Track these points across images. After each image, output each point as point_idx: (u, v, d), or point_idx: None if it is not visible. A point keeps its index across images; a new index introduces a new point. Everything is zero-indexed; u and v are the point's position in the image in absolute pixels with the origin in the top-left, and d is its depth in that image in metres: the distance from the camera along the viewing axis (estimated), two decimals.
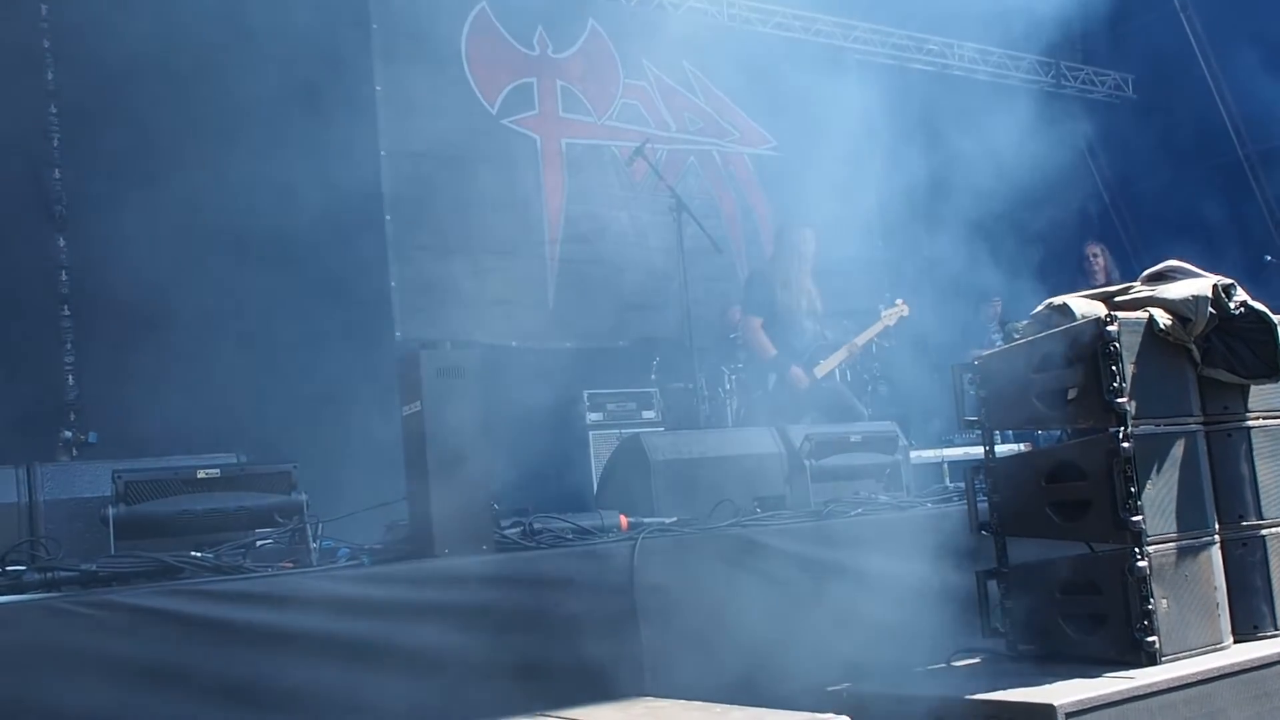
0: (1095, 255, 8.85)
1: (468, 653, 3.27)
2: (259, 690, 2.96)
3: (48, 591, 2.92)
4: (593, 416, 7.40)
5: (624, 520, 4.35)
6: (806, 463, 4.60)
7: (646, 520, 4.39)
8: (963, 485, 4.22)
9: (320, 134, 7.21)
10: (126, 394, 6.63)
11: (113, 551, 3.15)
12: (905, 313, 7.51)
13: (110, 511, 3.21)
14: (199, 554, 3.17)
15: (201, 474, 3.37)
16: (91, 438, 6.24)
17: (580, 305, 8.73)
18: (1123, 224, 11.84)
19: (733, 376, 8.14)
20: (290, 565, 3.29)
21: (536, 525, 4.06)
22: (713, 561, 3.87)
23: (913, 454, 7.98)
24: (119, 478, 3.28)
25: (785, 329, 7.25)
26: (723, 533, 4.06)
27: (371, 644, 3.13)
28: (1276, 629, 3.57)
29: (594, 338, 8.73)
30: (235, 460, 4.05)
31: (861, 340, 7.44)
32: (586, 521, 4.22)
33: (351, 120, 7.83)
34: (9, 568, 3.10)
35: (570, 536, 4.03)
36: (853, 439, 4.83)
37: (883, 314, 7.55)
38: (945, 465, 8.34)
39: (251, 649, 2.97)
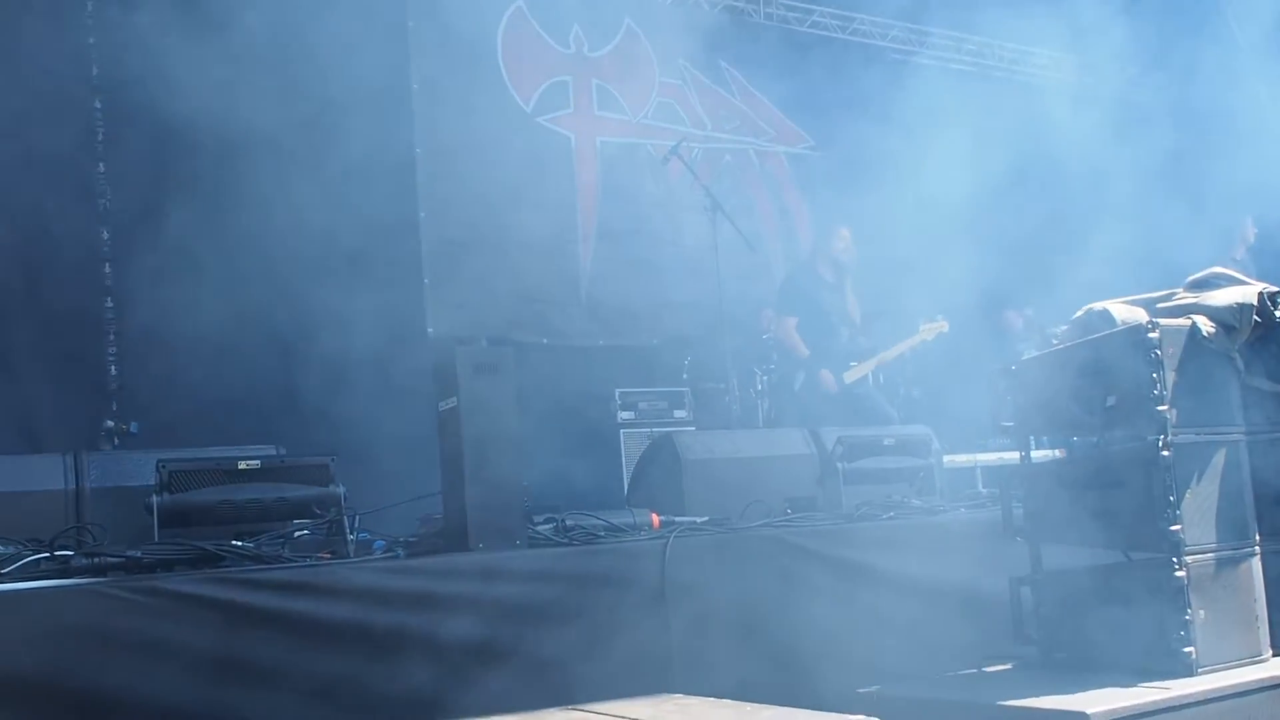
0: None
1: (499, 646, 3.30)
2: (295, 677, 3.00)
3: (94, 577, 2.97)
4: (624, 415, 7.41)
5: (655, 519, 4.36)
6: (839, 465, 4.60)
7: (678, 519, 4.41)
8: (996, 490, 4.21)
9: (356, 131, 7.26)
10: (167, 385, 6.73)
11: (156, 539, 3.19)
12: (944, 329, 7.45)
13: (154, 500, 3.25)
14: (240, 543, 3.20)
15: (243, 465, 3.42)
16: (133, 428, 6.32)
17: (613, 303, 8.73)
18: None
19: (764, 377, 8.14)
20: (328, 556, 3.32)
21: (569, 522, 4.09)
22: (744, 562, 3.88)
23: (946, 458, 7.95)
24: (163, 467, 3.32)
25: (819, 331, 7.24)
26: (754, 533, 4.07)
27: (404, 635, 3.17)
28: None
29: (626, 336, 8.74)
30: (275, 451, 4.09)
31: (895, 353, 7.41)
32: (619, 519, 4.24)
33: (387, 117, 7.89)
34: (58, 552, 3.15)
35: (602, 534, 4.04)
36: (886, 442, 4.82)
37: (921, 328, 7.50)
38: (979, 470, 8.29)
39: (289, 636, 3.02)
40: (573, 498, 7.17)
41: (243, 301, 6.96)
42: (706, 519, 4.40)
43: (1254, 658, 3.41)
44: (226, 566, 3.09)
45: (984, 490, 6.30)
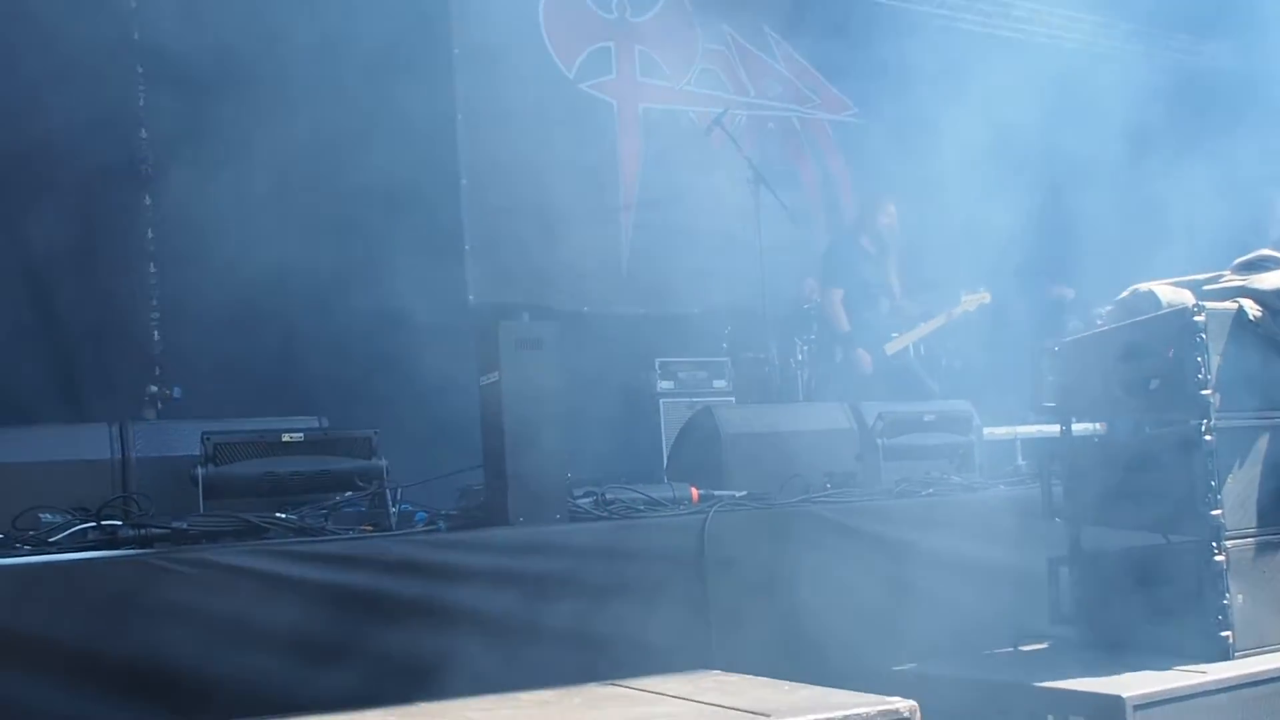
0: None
1: (538, 620, 3.34)
2: (338, 647, 3.05)
3: (141, 547, 3.04)
4: (663, 385, 7.43)
5: (695, 493, 4.38)
6: (879, 441, 4.59)
7: (717, 493, 4.43)
8: (1035, 466, 4.19)
9: (398, 97, 7.27)
10: (210, 351, 6.80)
11: (201, 510, 3.26)
12: (986, 300, 7.40)
13: (199, 471, 3.31)
14: (283, 515, 3.26)
15: (286, 438, 3.47)
16: (176, 393, 6.42)
17: (654, 271, 8.71)
18: None
19: (804, 347, 8.12)
20: (370, 529, 3.37)
21: (609, 496, 4.12)
22: (783, 538, 3.89)
23: (986, 431, 7.91)
24: (208, 439, 3.39)
25: (860, 304, 7.22)
26: (793, 509, 4.08)
27: (444, 608, 3.21)
28: None
29: (667, 304, 8.72)
30: (318, 423, 4.15)
31: (936, 325, 7.37)
32: (658, 493, 4.26)
33: (429, 83, 7.89)
34: (104, 521, 3.22)
35: (642, 508, 4.07)
36: (926, 418, 4.81)
37: (963, 298, 7.44)
38: (1019, 443, 8.25)
39: (332, 608, 3.07)
40: (612, 469, 7.23)
41: (284, 266, 7.02)
42: (745, 493, 4.43)
43: None
44: (270, 538, 3.14)
45: (1023, 463, 6.27)
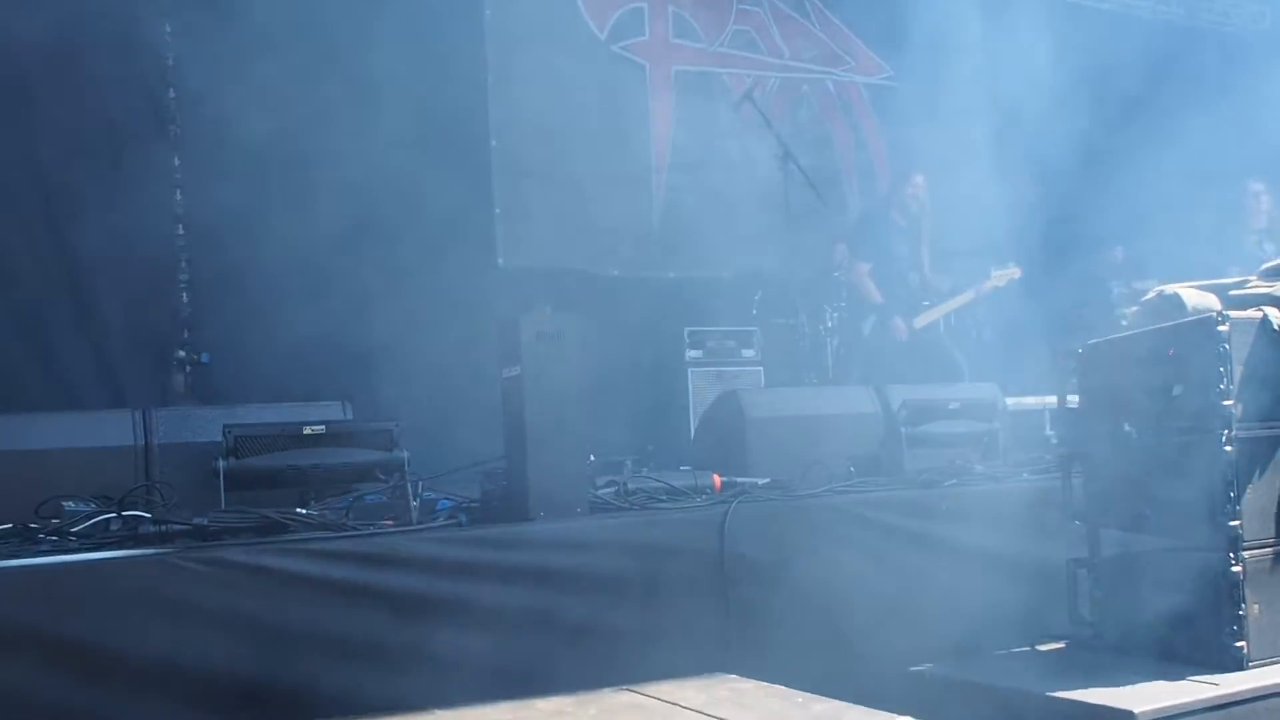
0: (1258, 194, 8.30)
1: (557, 617, 3.38)
2: (356, 646, 3.11)
3: (161, 544, 3.10)
4: (692, 354, 7.42)
5: (718, 480, 4.40)
6: (902, 430, 4.59)
7: (740, 480, 4.45)
8: (1058, 461, 4.15)
9: (427, 59, 7.24)
10: (238, 314, 6.84)
11: (223, 504, 3.31)
12: (1016, 275, 7.36)
13: (220, 464, 3.36)
14: (304, 510, 3.31)
15: (308, 430, 3.51)
16: (204, 358, 6.47)
17: (684, 235, 8.67)
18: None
19: (834, 314, 8.08)
20: (390, 523, 3.41)
21: (631, 486, 4.15)
22: (803, 531, 3.90)
23: (1015, 400, 7.89)
24: (229, 432, 3.43)
25: (890, 278, 7.17)
26: (814, 501, 4.09)
27: (462, 606, 3.25)
28: None
29: (697, 268, 8.68)
30: (340, 409, 4.20)
31: (964, 300, 7.33)
32: (680, 481, 4.29)
33: (459, 45, 7.85)
34: (126, 512, 3.28)
35: (664, 498, 4.10)
36: (951, 406, 4.79)
37: (993, 274, 7.40)
38: (1047, 414, 8.20)
39: (352, 606, 3.12)
40: (640, 437, 7.28)
41: (312, 230, 7.02)
42: (768, 480, 4.44)
43: None
44: (291, 534, 3.20)
45: (1050, 434, 6.23)
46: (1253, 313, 3.39)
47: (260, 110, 6.95)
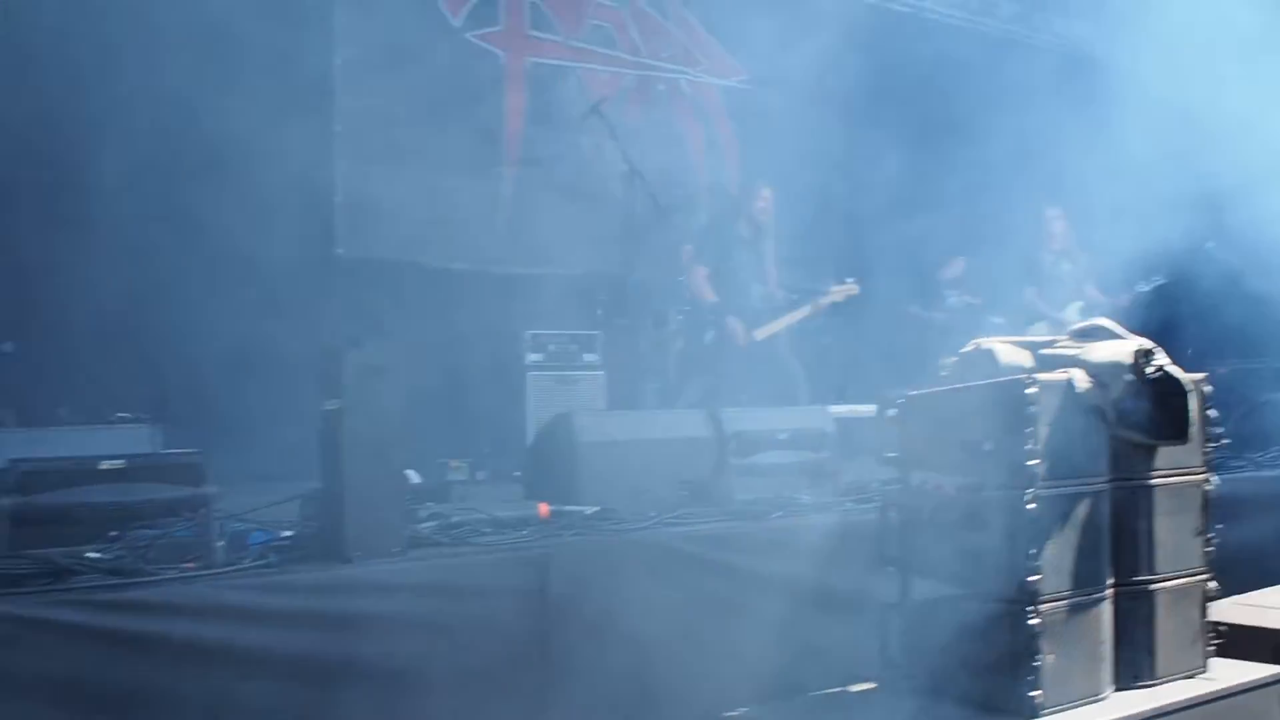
0: (1052, 219, 8.70)
1: (368, 666, 3.29)
2: (150, 703, 2.97)
3: None
4: (533, 357, 7.35)
5: (545, 509, 4.36)
6: (732, 461, 4.62)
7: (568, 508, 4.42)
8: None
9: (273, 38, 6.97)
10: (44, 299, 6.49)
11: (7, 547, 3.11)
12: (855, 292, 7.52)
13: (4, 503, 3.16)
14: (95, 554, 3.14)
15: (104, 465, 3.33)
16: (8, 347, 6.17)
17: (532, 231, 8.61)
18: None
19: (679, 317, 8.12)
20: (193, 565, 3.27)
21: (454, 519, 4.08)
22: (627, 568, 3.89)
23: (852, 409, 8.04)
24: (17, 468, 3.23)
25: (730, 288, 7.23)
26: (638, 536, 4.08)
27: (266, 654, 3.14)
28: (1154, 678, 3.68)
29: (544, 264, 8.62)
30: (149, 435, 4.00)
31: (803, 314, 7.46)
32: (507, 512, 4.23)
33: (307, 25, 7.58)
34: None
35: (487, 531, 4.03)
36: (780, 436, 4.85)
37: (832, 289, 7.55)
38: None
39: (146, 661, 2.98)
40: (476, 440, 7.20)
41: (142, 212, 6.72)
42: (597, 510, 4.42)
43: (1096, 696, 3.55)
44: (79, 582, 3.03)
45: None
46: (1059, 374, 3.50)
47: (91, 86, 6.63)
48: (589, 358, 7.47)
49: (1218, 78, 6.27)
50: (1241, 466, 6.61)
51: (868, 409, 8.31)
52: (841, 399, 8.28)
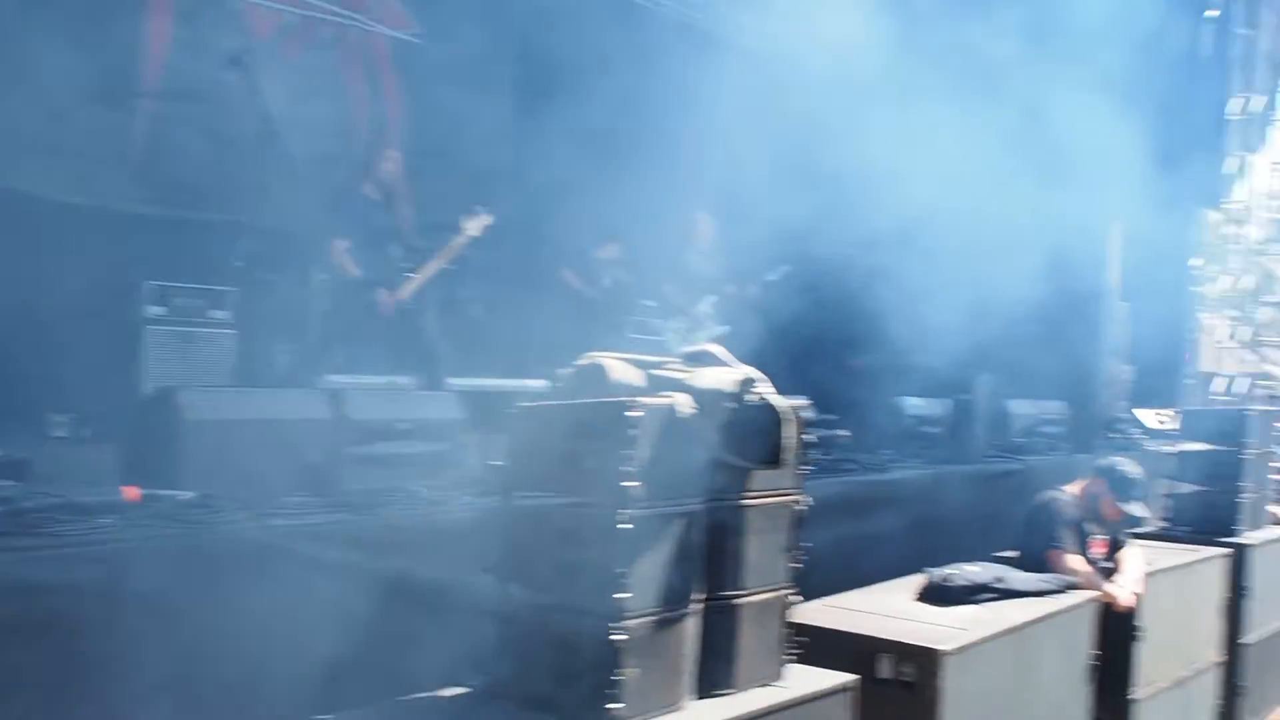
0: (700, 221, 9.05)
1: None
2: None
3: None
4: (155, 310, 6.79)
5: (135, 493, 4.08)
6: (351, 450, 4.50)
7: (161, 494, 4.16)
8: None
9: None
10: None
11: None
12: (489, 221, 7.46)
13: None
14: None
15: None
16: None
17: (169, 170, 8.01)
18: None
19: (323, 277, 7.82)
20: None
21: (27, 504, 3.73)
22: (219, 565, 3.71)
23: (497, 382, 8.09)
24: None
25: (371, 252, 7.10)
26: (230, 529, 3.89)
27: None
28: (733, 688, 3.91)
29: (181, 208, 8.06)
30: None
31: (444, 258, 7.39)
32: (90, 496, 3.92)
33: None
34: None
35: (63, 519, 3.72)
36: (401, 426, 4.77)
37: (464, 225, 7.47)
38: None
39: None
40: (83, 395, 6.62)
41: None
42: (193, 495, 4.18)
43: (674, 707, 3.73)
44: None
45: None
46: (663, 399, 3.62)
47: None
48: (218, 314, 7.01)
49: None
50: (853, 469, 7.19)
51: (511, 383, 8.44)
52: (488, 372, 8.33)
